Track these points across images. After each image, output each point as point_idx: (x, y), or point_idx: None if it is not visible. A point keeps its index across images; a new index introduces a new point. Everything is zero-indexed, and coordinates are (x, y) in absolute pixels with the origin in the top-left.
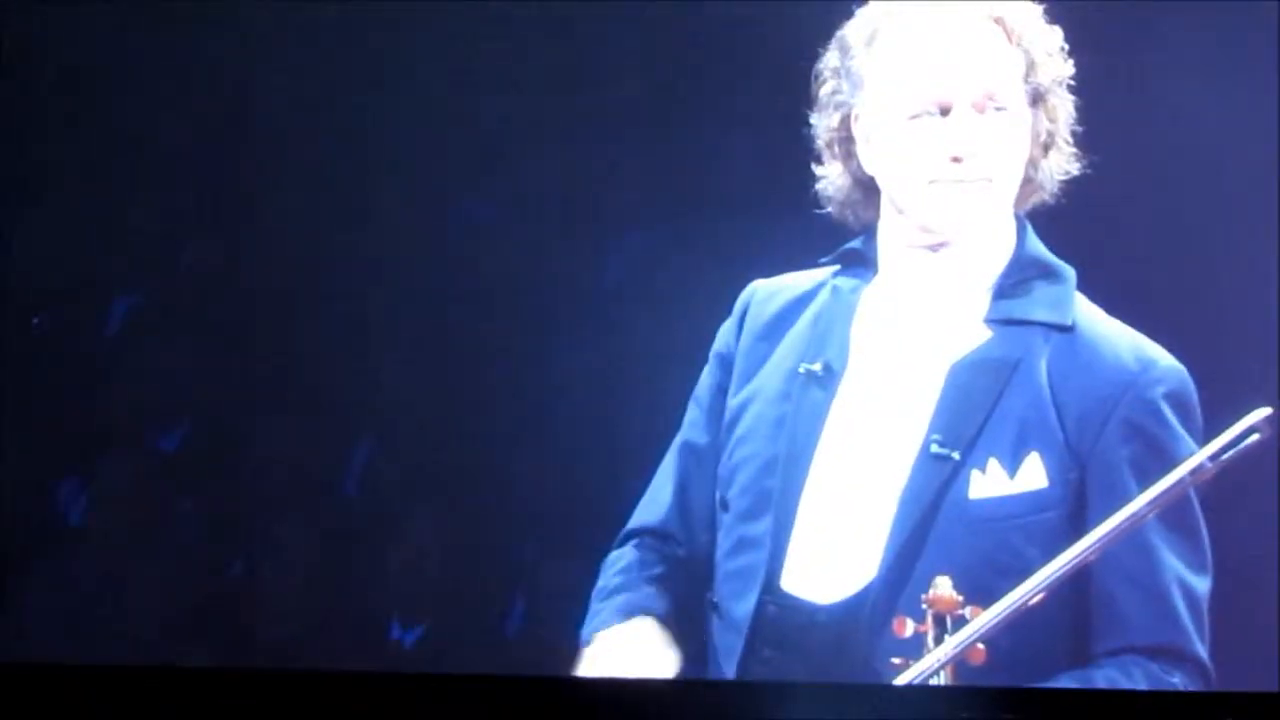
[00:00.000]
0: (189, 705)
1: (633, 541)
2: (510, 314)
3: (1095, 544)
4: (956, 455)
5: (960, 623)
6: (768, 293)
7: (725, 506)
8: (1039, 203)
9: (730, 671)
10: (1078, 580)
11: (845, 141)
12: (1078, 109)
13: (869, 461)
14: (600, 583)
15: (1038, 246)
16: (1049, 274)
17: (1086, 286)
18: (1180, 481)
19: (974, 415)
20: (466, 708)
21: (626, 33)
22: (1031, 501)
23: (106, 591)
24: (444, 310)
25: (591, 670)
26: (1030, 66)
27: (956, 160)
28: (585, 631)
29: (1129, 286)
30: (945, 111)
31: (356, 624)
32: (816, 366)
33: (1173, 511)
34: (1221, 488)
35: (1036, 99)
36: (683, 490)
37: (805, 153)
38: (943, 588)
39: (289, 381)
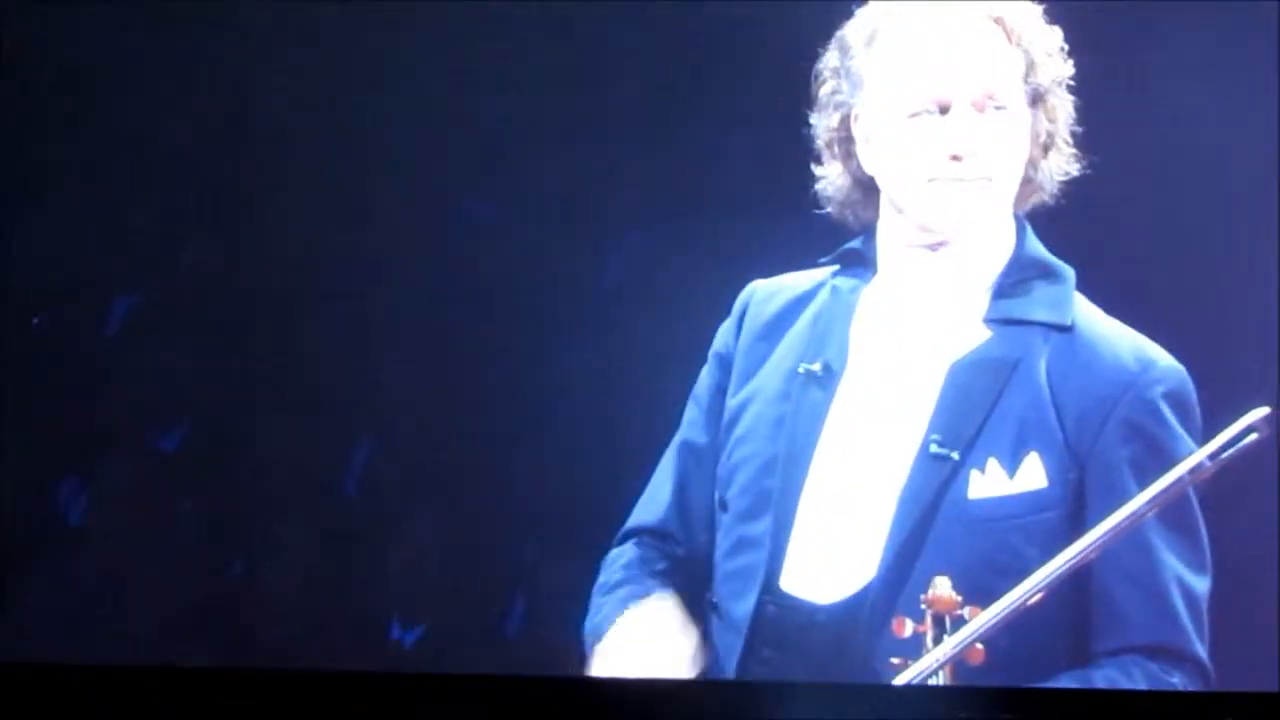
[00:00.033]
0: (189, 705)
1: (632, 540)
2: (510, 314)
3: (1094, 543)
4: (956, 455)
5: (959, 623)
6: (767, 293)
7: (724, 506)
8: (1039, 203)
9: (730, 671)
10: (1077, 580)
11: (845, 141)
12: (1077, 109)
13: (868, 461)
14: (601, 579)
15: (1037, 246)
16: (1048, 274)
17: (1086, 286)
18: (1179, 480)
19: (973, 415)
20: (466, 708)
21: (626, 33)
22: (1031, 501)
23: (106, 591)
24: (444, 310)
25: (611, 653)
26: (1030, 66)
27: (956, 159)
28: (589, 625)
29: (1128, 286)
30: (945, 110)
31: (356, 624)
32: (816, 366)
33: (1172, 511)
34: (1221, 487)
35: (1036, 99)
36: (681, 490)
37: (805, 153)
38: (942, 588)
39: (289, 381)
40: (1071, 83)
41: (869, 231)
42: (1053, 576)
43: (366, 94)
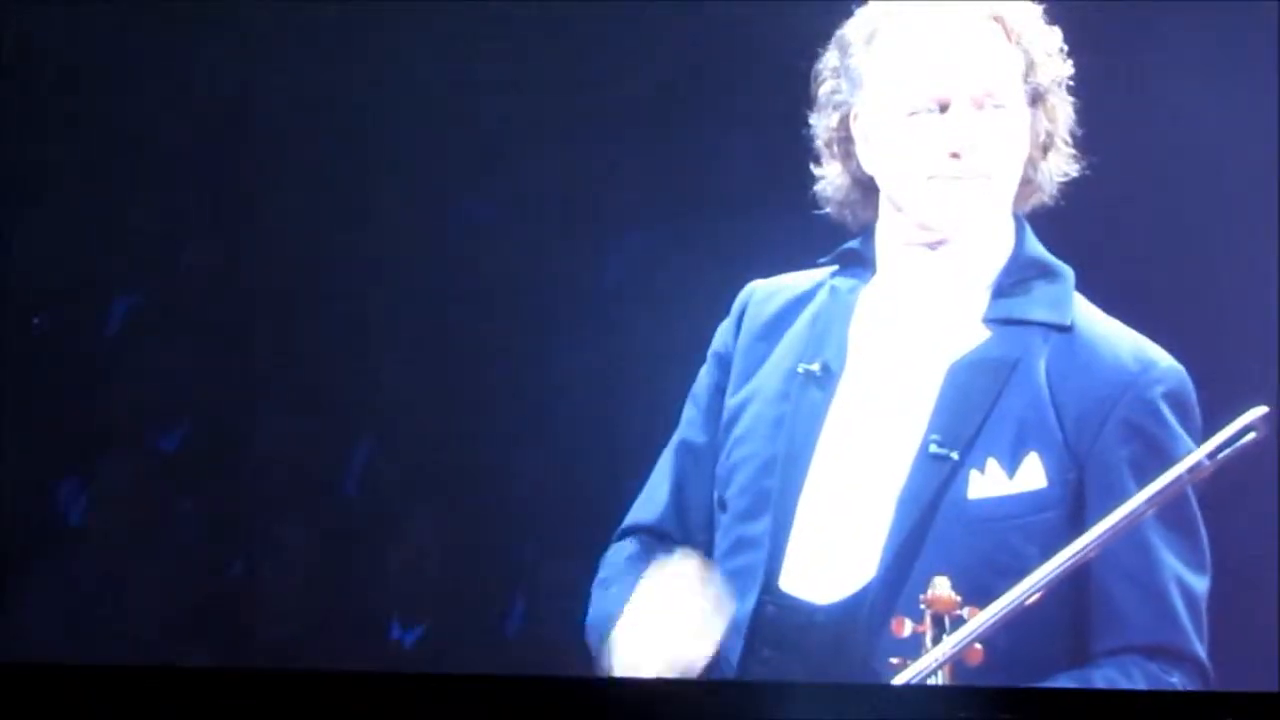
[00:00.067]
0: (189, 705)
1: (630, 537)
2: (510, 314)
3: (1093, 543)
4: (955, 455)
5: (958, 623)
6: (766, 293)
7: (723, 506)
8: (1038, 204)
9: (730, 671)
10: (1076, 580)
11: (844, 141)
12: (1077, 110)
13: (867, 461)
14: (601, 574)
15: (1036, 246)
16: (1048, 274)
17: (1085, 287)
18: (1178, 479)
19: (973, 415)
20: (466, 708)
21: (626, 33)
22: (1030, 501)
23: (106, 591)
24: (444, 310)
25: (624, 638)
26: (1030, 66)
27: (955, 156)
28: (593, 617)
29: (1128, 286)
30: (944, 108)
31: (356, 624)
32: (815, 366)
33: (1171, 510)
34: (1220, 487)
35: (1036, 99)
36: (680, 490)
37: (804, 153)
38: (941, 588)
39: (289, 381)
40: (1071, 83)
41: (868, 232)
42: (1051, 576)
43: (366, 94)
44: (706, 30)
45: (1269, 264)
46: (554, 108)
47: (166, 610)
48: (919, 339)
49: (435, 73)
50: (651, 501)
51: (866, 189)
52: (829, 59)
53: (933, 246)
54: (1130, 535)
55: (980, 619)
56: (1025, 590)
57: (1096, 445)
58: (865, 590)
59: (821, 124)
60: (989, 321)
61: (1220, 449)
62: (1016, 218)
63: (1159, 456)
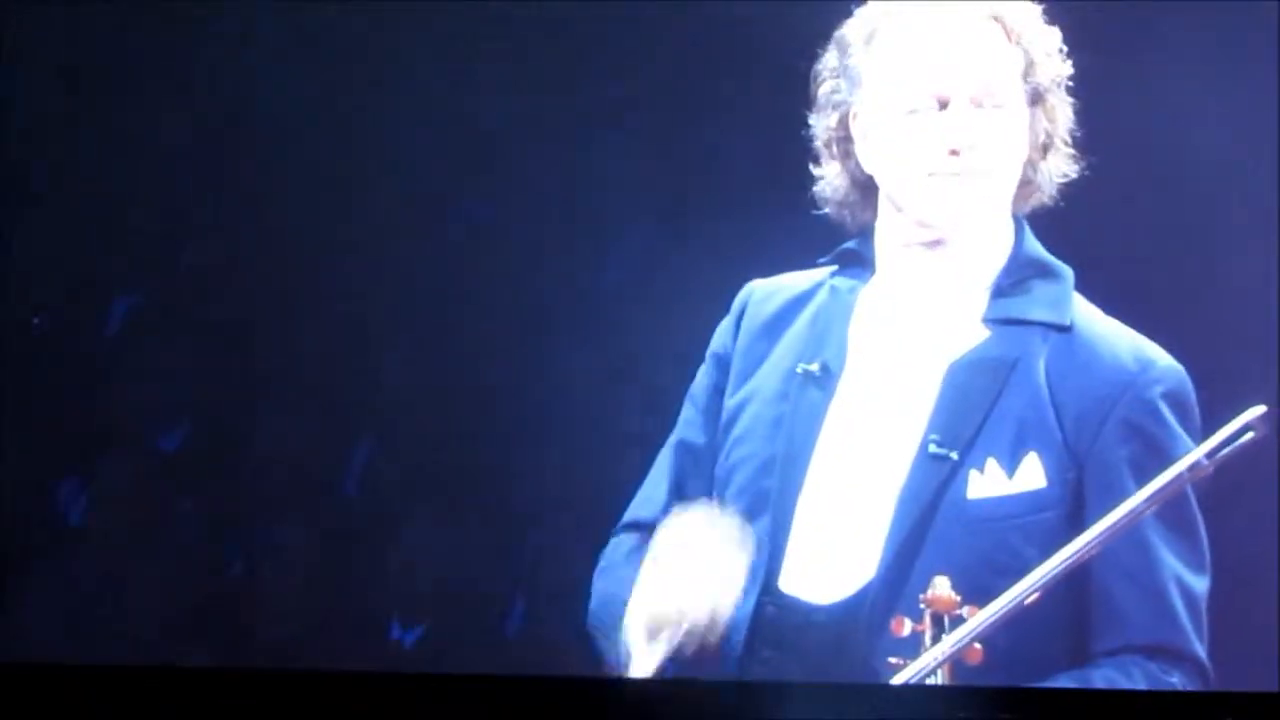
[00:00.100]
0: (189, 705)
1: (628, 532)
2: (510, 314)
3: (1092, 542)
4: (955, 455)
5: (958, 622)
6: (765, 293)
7: (723, 506)
8: (1038, 204)
9: (729, 672)
10: (1076, 579)
11: (843, 141)
12: (1077, 110)
13: (867, 461)
14: (602, 564)
15: (1035, 246)
16: (1047, 273)
17: (1085, 286)
18: (1177, 478)
19: (972, 415)
20: (466, 708)
21: (626, 33)
22: (1030, 501)
23: (106, 591)
24: (444, 310)
25: (651, 587)
26: (1029, 65)
27: (954, 153)
28: (595, 603)
29: (1128, 286)
30: (943, 105)
31: (356, 624)
32: (814, 367)
33: (1170, 510)
34: (1220, 487)
35: (1035, 99)
36: (679, 489)
37: (804, 153)
38: (941, 587)
39: (289, 381)
40: (1071, 83)
41: (867, 232)
42: (1051, 575)
43: (366, 94)
44: (706, 30)
45: (1269, 264)
46: (554, 108)
47: (166, 610)
48: (918, 339)
49: (435, 73)
50: (650, 500)
51: (866, 189)
52: (828, 59)
53: (932, 246)
54: (1130, 535)
55: (979, 618)
56: (1025, 590)
57: (1096, 445)
58: (865, 590)
59: (821, 124)
60: (988, 321)
61: (1219, 448)
62: (1016, 218)
63: (1158, 456)
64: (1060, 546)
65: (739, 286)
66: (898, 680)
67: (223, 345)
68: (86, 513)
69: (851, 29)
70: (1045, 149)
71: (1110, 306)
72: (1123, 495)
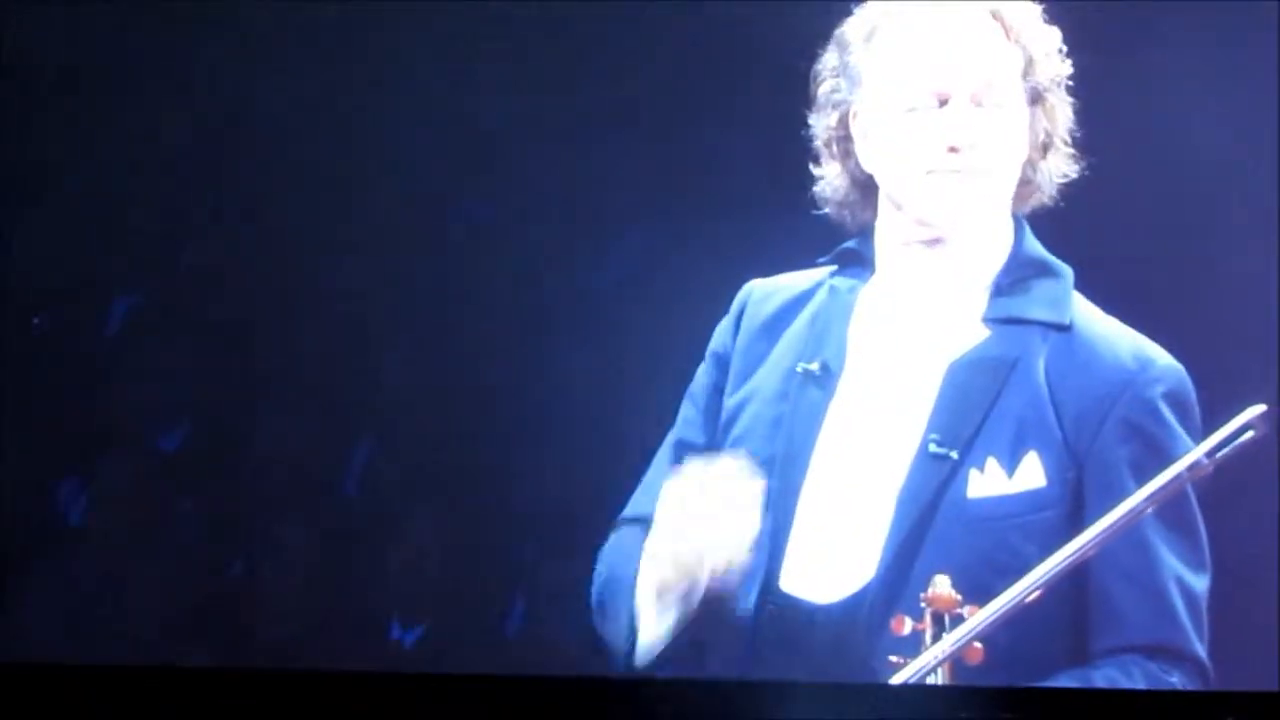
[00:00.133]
0: (189, 705)
1: (629, 526)
2: (510, 314)
3: (1092, 541)
4: (955, 454)
5: (958, 621)
6: (765, 292)
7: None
8: (1038, 204)
9: (729, 672)
10: (1076, 579)
11: (843, 140)
12: (1076, 110)
13: (867, 461)
14: (603, 553)
15: (1035, 245)
16: (1047, 273)
17: (1084, 286)
18: (1177, 478)
19: (972, 414)
20: (466, 708)
21: (626, 33)
22: (1030, 501)
23: (106, 591)
24: (444, 310)
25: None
26: (1029, 64)
27: (954, 150)
28: (596, 588)
29: (1127, 286)
30: (943, 102)
31: (356, 624)
32: (814, 366)
33: (1171, 509)
34: (1219, 486)
35: (1035, 98)
36: None
37: (804, 153)
38: (941, 586)
39: (289, 381)
40: (1070, 83)
41: (866, 231)
42: (1051, 574)
43: (366, 94)
44: (706, 30)
45: (1269, 264)
46: (554, 108)
47: (166, 610)
48: (918, 338)
49: (435, 73)
50: (650, 499)
51: (865, 189)
52: (828, 59)
53: (931, 245)
54: (1130, 534)
55: (979, 617)
56: (1025, 588)
57: (1095, 444)
58: (865, 590)
59: (821, 124)
60: (988, 321)
61: (1219, 447)
62: (1016, 217)
63: (1158, 455)
64: (1060, 546)
65: (739, 286)
66: (898, 679)
67: (223, 345)
68: (86, 513)
69: (851, 28)
70: (1045, 148)
71: (1110, 306)
72: (1122, 494)
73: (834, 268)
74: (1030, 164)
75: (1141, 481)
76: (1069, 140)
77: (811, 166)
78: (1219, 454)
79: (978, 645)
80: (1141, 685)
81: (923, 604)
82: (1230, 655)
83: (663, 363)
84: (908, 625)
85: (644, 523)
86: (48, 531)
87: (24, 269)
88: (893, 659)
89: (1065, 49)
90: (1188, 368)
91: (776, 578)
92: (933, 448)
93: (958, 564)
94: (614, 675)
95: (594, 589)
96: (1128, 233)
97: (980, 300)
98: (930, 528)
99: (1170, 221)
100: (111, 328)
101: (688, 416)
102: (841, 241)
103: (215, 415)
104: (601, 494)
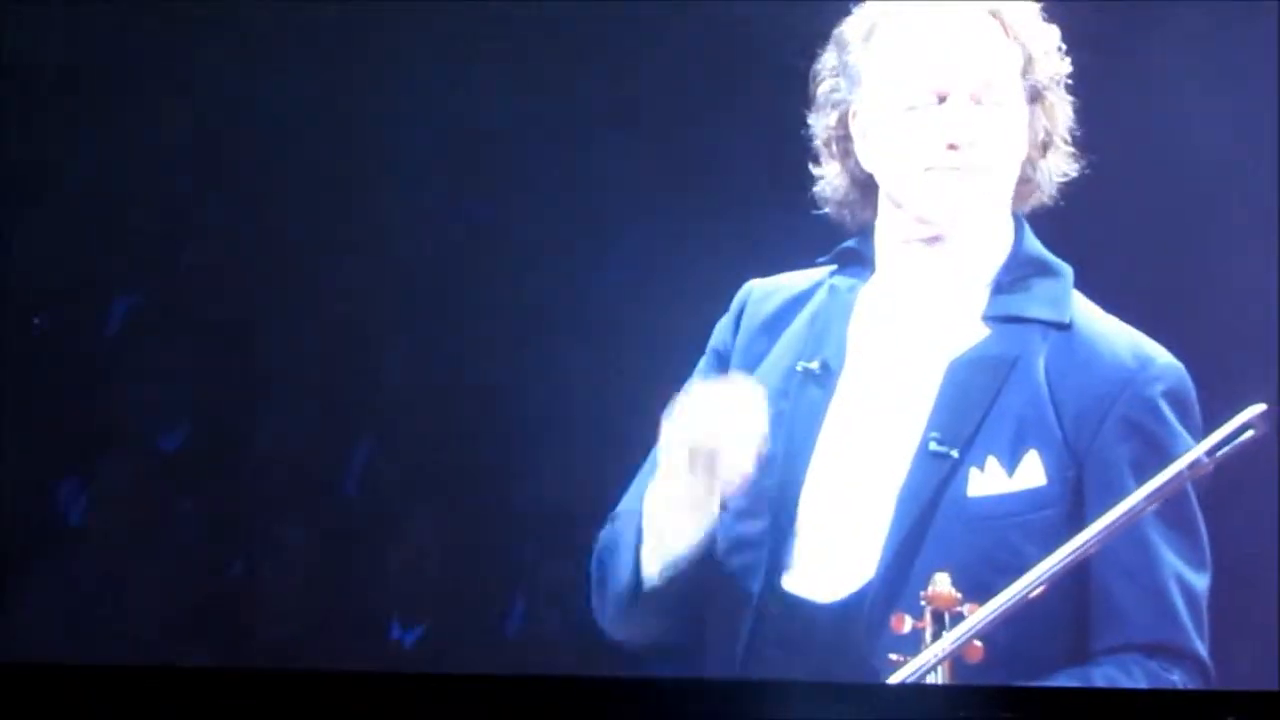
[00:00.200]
0: (189, 705)
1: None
2: (510, 314)
3: (1091, 539)
4: (955, 453)
5: (958, 619)
6: (764, 292)
7: (723, 505)
8: (1038, 203)
9: (730, 671)
10: (1076, 577)
11: (843, 140)
12: (1076, 109)
13: (867, 460)
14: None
15: (1035, 244)
16: (1047, 271)
17: (1084, 285)
18: (1177, 476)
19: (972, 413)
20: (466, 708)
21: (626, 33)
22: (1030, 499)
23: (106, 591)
24: (444, 310)
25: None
26: (1028, 62)
27: (953, 147)
28: (598, 549)
29: (1127, 284)
30: (942, 100)
31: (356, 624)
32: (814, 365)
33: (1171, 508)
34: (1219, 485)
35: (1034, 96)
36: None
37: (804, 153)
38: (941, 584)
39: (289, 381)
40: (1070, 81)
41: (866, 231)
42: (1050, 572)
43: (367, 94)
44: (706, 30)
45: (1269, 264)
46: (554, 108)
47: (166, 610)
48: (918, 337)
49: (435, 73)
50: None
51: (865, 188)
52: (827, 58)
53: (931, 243)
54: (1130, 533)
55: (979, 615)
56: (1024, 587)
57: (1095, 443)
58: (866, 589)
59: (820, 123)
60: (988, 319)
61: (1219, 446)
62: (1015, 216)
63: (1158, 454)
64: (1060, 544)
65: (739, 286)
66: (898, 677)
67: (223, 345)
68: (86, 513)
69: (850, 27)
70: (1045, 147)
71: (1110, 305)
72: (1122, 493)
73: (834, 267)
74: (1030, 162)
75: (1141, 480)
76: (1068, 139)
77: (811, 166)
78: (1219, 453)
79: (978, 643)
80: (1142, 684)
81: (923, 602)
82: (1231, 654)
83: (663, 363)
84: (908, 623)
85: (638, 515)
86: (48, 531)
87: (24, 269)
88: (893, 657)
89: (1064, 47)
90: (1188, 367)
91: (777, 576)
92: (933, 446)
93: (958, 562)
94: (614, 675)
95: (593, 564)
96: (1128, 232)
97: (980, 299)
98: (930, 526)
99: (1170, 221)
100: (111, 328)
101: None
102: (841, 241)
103: (215, 415)
104: (601, 494)
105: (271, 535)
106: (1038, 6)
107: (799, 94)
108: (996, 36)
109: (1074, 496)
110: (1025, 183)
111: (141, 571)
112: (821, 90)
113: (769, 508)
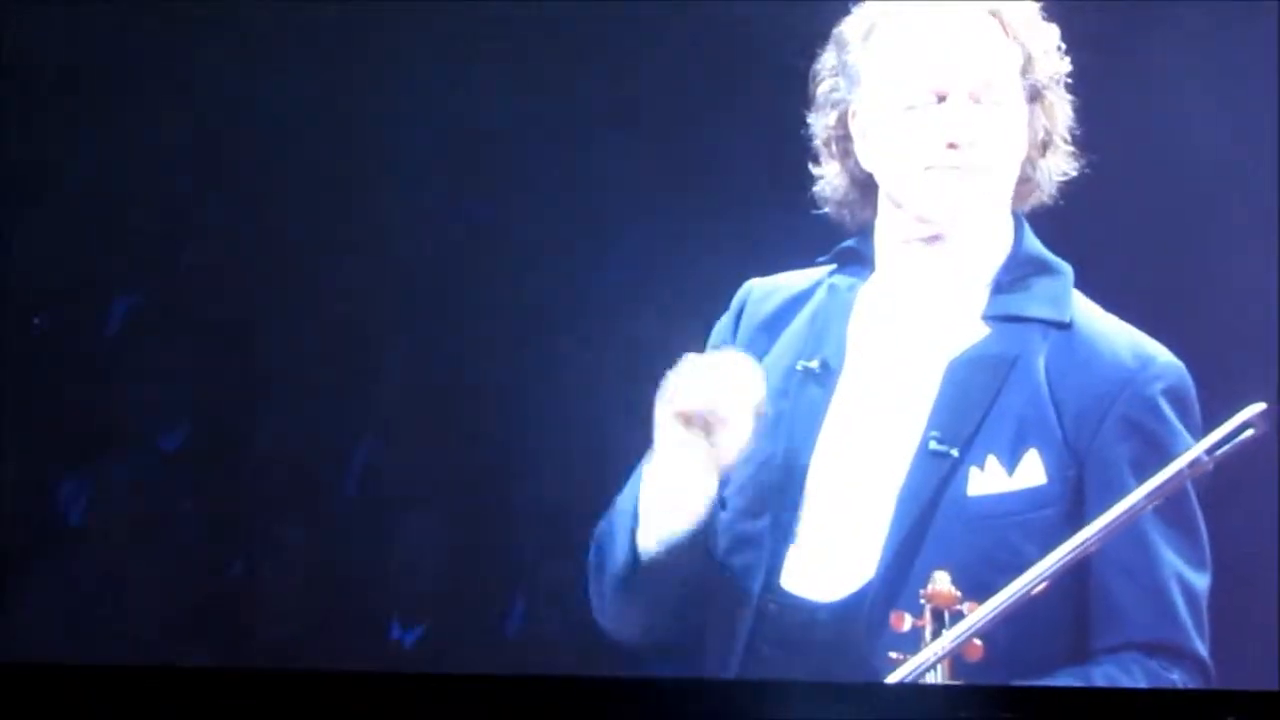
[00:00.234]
0: (189, 705)
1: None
2: (510, 314)
3: (1091, 538)
4: (955, 452)
5: (958, 618)
6: (764, 291)
7: (723, 504)
8: (1037, 203)
9: (730, 671)
10: (1076, 576)
11: (842, 139)
12: (1076, 108)
13: (867, 459)
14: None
15: (1035, 243)
16: (1046, 270)
17: (1084, 284)
18: (1177, 475)
19: (972, 412)
20: (466, 708)
21: (626, 33)
22: (1030, 498)
23: (106, 591)
24: (444, 310)
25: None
26: (1028, 61)
27: (953, 146)
28: (593, 553)
29: (1127, 284)
30: (941, 99)
31: (356, 624)
32: (814, 364)
33: (1171, 508)
34: (1219, 485)
35: (1034, 95)
36: None
37: (804, 153)
38: (941, 583)
39: (289, 381)
40: (1069, 80)
41: (866, 230)
42: (1050, 571)
43: (367, 94)
44: (706, 30)
45: (1269, 263)
46: (554, 108)
47: (166, 610)
48: (918, 336)
49: (435, 73)
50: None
51: (865, 188)
52: (827, 58)
53: (931, 242)
54: (1130, 532)
55: (979, 614)
56: (1024, 585)
57: (1096, 442)
58: (866, 588)
59: (820, 123)
60: (988, 318)
61: (1219, 445)
62: (1015, 215)
63: (1158, 453)
64: (1060, 543)
65: (738, 286)
66: (897, 675)
67: (223, 345)
68: (86, 513)
69: (850, 26)
70: (1044, 146)
71: (1110, 304)
72: (1123, 492)
73: (833, 266)
74: (1029, 162)
75: (1142, 479)
76: (1068, 138)
77: (811, 166)
78: (1219, 451)
79: (977, 642)
80: (1142, 683)
81: (922, 600)
82: (1231, 654)
83: (663, 363)
84: (907, 621)
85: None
86: (48, 531)
87: (24, 269)
88: (892, 655)
89: (1064, 47)
90: (1188, 366)
91: (777, 576)
92: (933, 445)
93: (958, 562)
94: (614, 675)
95: (590, 554)
96: (1128, 231)
97: (980, 298)
98: (931, 526)
99: (1170, 220)
100: (111, 328)
101: None
102: (841, 241)
103: (215, 415)
104: (601, 494)
105: (271, 535)
106: (1037, 6)
107: (799, 94)
108: (996, 36)
109: (1074, 496)
110: (1025, 182)
111: (141, 571)
112: (821, 90)
113: (769, 507)
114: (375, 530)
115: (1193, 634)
